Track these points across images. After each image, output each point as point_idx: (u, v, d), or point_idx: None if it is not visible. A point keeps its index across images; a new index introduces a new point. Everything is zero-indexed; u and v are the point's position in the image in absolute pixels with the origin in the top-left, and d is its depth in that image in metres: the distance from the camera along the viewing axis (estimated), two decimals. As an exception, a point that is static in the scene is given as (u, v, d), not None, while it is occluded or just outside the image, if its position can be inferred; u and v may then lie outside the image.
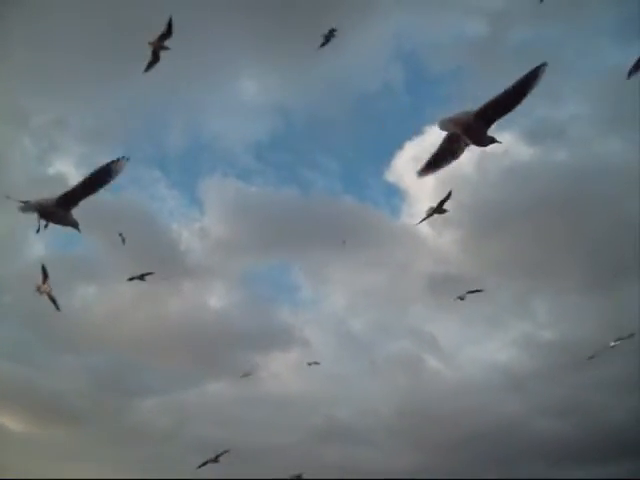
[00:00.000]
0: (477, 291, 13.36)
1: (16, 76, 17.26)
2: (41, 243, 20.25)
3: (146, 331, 21.78)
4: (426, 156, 5.30)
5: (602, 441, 18.89)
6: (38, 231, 5.61)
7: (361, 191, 30.08)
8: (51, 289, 9.28)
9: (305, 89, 26.57)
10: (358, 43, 21.51)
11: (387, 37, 25.09)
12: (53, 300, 9.33)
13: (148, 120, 26.18)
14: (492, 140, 4.97)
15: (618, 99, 20.05)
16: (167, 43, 9.93)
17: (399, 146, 25.08)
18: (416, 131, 26.17)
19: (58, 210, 5.51)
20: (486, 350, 25.27)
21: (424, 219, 8.88)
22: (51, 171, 22.78)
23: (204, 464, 13.12)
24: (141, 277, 12.34)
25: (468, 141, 4.92)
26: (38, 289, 9.33)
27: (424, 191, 24.90)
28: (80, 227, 5.99)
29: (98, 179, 5.58)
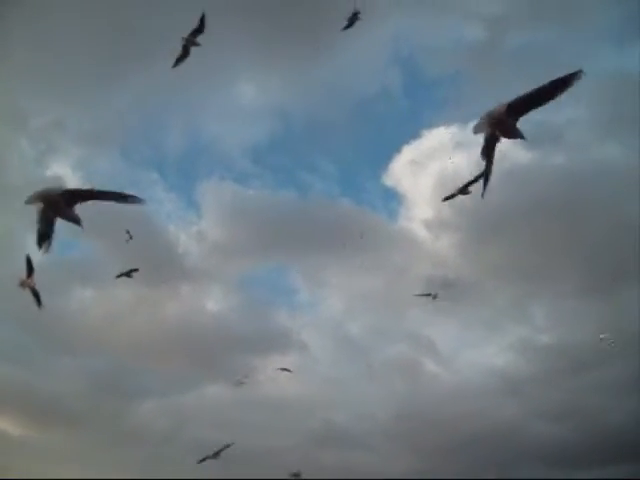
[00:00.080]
0: (449, 287, 13.23)
1: (16, 76, 17.27)
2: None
3: (144, 334, 21.77)
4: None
5: (600, 444, 18.92)
6: (38, 227, 5.59)
7: (359, 194, 30.17)
8: (35, 284, 8.89)
9: (303, 92, 26.71)
10: (356, 47, 21.63)
11: (385, 41, 25.29)
12: (36, 295, 8.93)
13: (146, 123, 26.30)
14: (521, 134, 5.08)
15: (615, 103, 20.21)
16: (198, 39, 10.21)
17: (397, 150, 25.24)
18: (414, 135, 26.35)
19: (62, 202, 5.48)
20: (484, 354, 25.31)
21: (448, 198, 8.97)
22: (48, 173, 22.76)
23: (204, 459, 13.31)
24: (128, 274, 12.72)
25: (500, 135, 5.03)
26: (22, 283, 8.93)
27: (421, 195, 25.01)
28: (79, 228, 5.92)
29: (112, 198, 5.61)
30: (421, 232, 24.59)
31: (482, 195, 5.26)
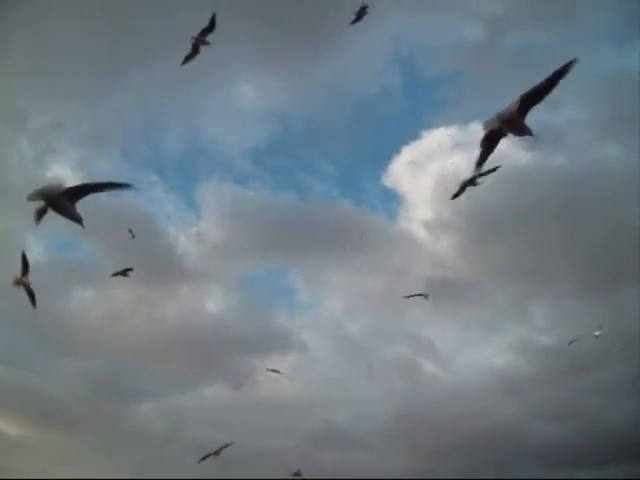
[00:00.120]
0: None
1: (16, 76, 17.24)
2: (39, 246, 20.19)
3: (143, 335, 21.76)
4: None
5: (600, 444, 18.94)
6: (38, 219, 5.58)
7: (358, 195, 30.15)
8: (30, 282, 8.66)
9: (303, 93, 26.69)
10: (356, 47, 21.66)
11: (385, 41, 25.26)
12: (31, 294, 8.73)
13: (146, 123, 26.26)
14: (529, 131, 5.16)
15: (615, 103, 20.21)
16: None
17: (396, 150, 25.20)
18: (413, 135, 26.31)
19: (64, 199, 5.47)
20: (483, 354, 25.32)
21: (458, 192, 9.02)
22: (48, 174, 22.69)
23: (205, 458, 13.29)
24: (124, 272, 12.68)
25: (510, 133, 5.14)
26: (17, 282, 8.69)
27: (421, 196, 25.02)
28: (79, 229, 5.91)
29: (107, 188, 5.65)
30: (421, 233, 24.64)
31: (473, 171, 5.44)
